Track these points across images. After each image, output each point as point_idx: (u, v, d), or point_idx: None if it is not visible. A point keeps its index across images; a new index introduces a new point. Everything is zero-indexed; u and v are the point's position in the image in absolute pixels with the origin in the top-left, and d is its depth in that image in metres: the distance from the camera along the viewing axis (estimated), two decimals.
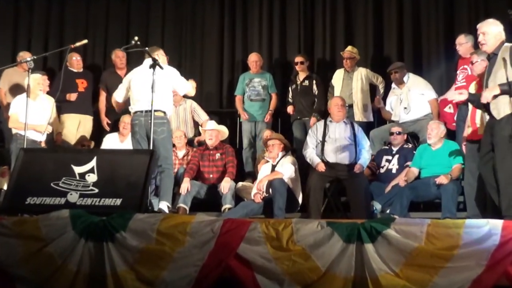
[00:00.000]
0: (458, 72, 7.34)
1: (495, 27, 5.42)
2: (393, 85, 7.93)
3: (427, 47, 8.79)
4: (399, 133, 7.30)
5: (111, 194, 5.03)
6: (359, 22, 9.07)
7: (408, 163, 6.99)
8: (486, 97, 5.28)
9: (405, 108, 7.63)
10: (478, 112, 5.83)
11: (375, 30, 8.98)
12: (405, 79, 7.75)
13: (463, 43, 7.40)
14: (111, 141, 7.72)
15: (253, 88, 8.36)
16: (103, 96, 8.39)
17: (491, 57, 5.43)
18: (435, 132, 6.80)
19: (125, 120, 7.63)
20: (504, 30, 5.47)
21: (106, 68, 8.91)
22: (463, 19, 8.65)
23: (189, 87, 6.56)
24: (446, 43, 8.07)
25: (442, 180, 6.39)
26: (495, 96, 5.25)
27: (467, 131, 6.07)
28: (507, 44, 5.29)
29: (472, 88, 6.08)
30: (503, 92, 5.21)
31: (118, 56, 8.38)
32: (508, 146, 5.15)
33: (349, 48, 8.36)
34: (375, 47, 8.95)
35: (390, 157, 7.23)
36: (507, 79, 5.16)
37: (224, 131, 7.64)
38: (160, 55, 6.40)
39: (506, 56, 5.22)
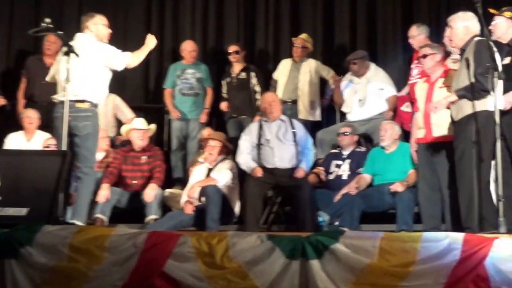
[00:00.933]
0: (412, 66, 7.48)
1: (461, 22, 5.55)
2: (349, 72, 7.97)
3: (382, 37, 8.92)
4: (346, 134, 7.34)
5: (16, 202, 4.94)
6: (307, 8, 9.13)
7: (362, 169, 7.07)
8: (441, 104, 5.44)
9: (360, 100, 7.70)
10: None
11: (325, 18, 9.04)
12: (366, 69, 7.80)
13: (415, 36, 7.55)
14: (15, 141, 7.51)
15: (186, 80, 8.30)
16: (23, 84, 8.19)
17: (462, 54, 5.58)
18: (389, 134, 6.88)
19: (29, 114, 7.45)
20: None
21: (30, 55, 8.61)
22: (422, 7, 8.82)
23: (127, 59, 6.11)
24: (404, 33, 8.18)
25: (397, 187, 6.48)
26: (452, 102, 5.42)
27: (419, 133, 6.17)
28: (476, 39, 5.38)
29: (420, 87, 6.22)
30: (460, 98, 5.35)
31: (48, 41, 8.16)
32: (467, 151, 5.27)
33: (303, 35, 8.38)
34: (325, 37, 9.03)
35: (340, 162, 7.27)
36: (469, 79, 5.30)
37: (154, 130, 7.59)
38: (99, 26, 6.05)
39: (470, 55, 5.34)
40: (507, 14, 5.78)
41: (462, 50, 5.55)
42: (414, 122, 6.32)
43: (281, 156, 6.94)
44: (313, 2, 9.11)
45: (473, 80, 5.29)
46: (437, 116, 5.77)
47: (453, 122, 5.51)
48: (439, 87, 6.00)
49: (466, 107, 5.33)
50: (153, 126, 7.60)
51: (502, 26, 5.77)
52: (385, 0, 8.97)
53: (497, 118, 4.95)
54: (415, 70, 7.39)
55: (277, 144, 7.00)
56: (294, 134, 7.10)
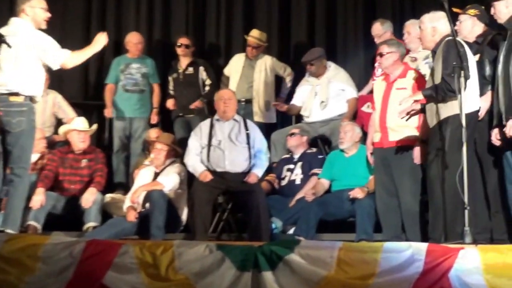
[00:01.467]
0: (376, 65, 7.51)
1: (429, 22, 5.65)
2: (307, 73, 8.00)
3: (343, 33, 8.96)
4: (293, 135, 7.37)
5: None
6: (262, 1, 9.15)
7: (315, 170, 7.10)
8: (406, 101, 5.51)
9: (322, 102, 7.71)
10: (392, 112, 5.96)
11: (281, 11, 9.07)
12: (324, 69, 7.83)
13: (381, 34, 7.61)
14: None
15: (130, 75, 8.26)
16: None
17: (433, 56, 5.69)
18: (349, 136, 6.90)
19: None
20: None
21: None
22: (385, 0, 8.89)
23: (63, 57, 5.87)
24: (366, 30, 8.25)
25: (357, 194, 6.51)
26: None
27: (375, 136, 6.23)
28: (447, 39, 5.45)
29: (378, 86, 6.29)
30: (426, 97, 5.43)
31: None
32: (437, 158, 5.35)
33: (255, 33, 8.34)
34: (281, 32, 9.05)
35: (291, 166, 7.30)
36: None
37: (95, 130, 7.55)
38: (36, 10, 5.79)
39: (440, 56, 5.44)
40: (471, 12, 5.90)
41: (434, 52, 5.64)
42: (371, 122, 6.40)
43: (233, 159, 6.90)
44: None
45: (440, 80, 5.37)
46: (393, 119, 5.85)
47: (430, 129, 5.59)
48: (397, 88, 6.09)
49: (441, 111, 5.41)
50: (94, 127, 7.52)
51: (467, 24, 5.89)
52: None
53: (463, 121, 5.00)
54: (378, 70, 7.43)
55: (229, 146, 6.96)
56: (248, 136, 7.06)
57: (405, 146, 5.96)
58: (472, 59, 5.42)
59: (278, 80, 8.42)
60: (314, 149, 7.44)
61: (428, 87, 5.51)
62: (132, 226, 6.73)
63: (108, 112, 8.25)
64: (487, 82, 5.55)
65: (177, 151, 7.24)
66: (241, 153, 6.96)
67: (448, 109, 5.32)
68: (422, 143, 5.90)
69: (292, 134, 7.39)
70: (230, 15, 9.16)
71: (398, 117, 5.64)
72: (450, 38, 5.35)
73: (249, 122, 7.24)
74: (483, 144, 5.54)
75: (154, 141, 7.31)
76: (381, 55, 6.27)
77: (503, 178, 5.41)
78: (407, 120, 5.63)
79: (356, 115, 7.68)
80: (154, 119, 8.26)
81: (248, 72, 8.26)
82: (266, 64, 8.28)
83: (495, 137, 5.37)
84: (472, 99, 5.34)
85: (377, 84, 6.36)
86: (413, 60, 6.90)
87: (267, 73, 8.25)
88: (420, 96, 5.47)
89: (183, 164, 7.11)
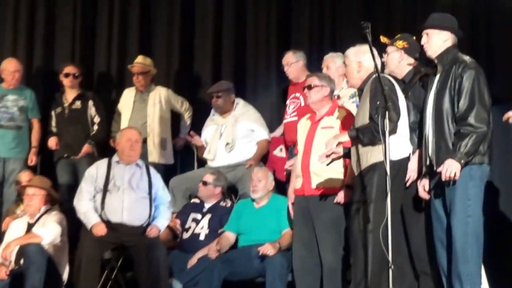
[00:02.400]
0: (287, 102, 7.62)
1: (354, 57, 5.70)
2: (212, 111, 8.01)
3: (253, 65, 9.01)
4: (207, 183, 7.33)
5: None
6: (161, 26, 9.15)
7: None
8: (330, 143, 5.48)
9: (228, 144, 7.73)
10: (316, 155, 5.98)
11: (182, 38, 9.10)
12: (232, 105, 7.87)
13: (292, 63, 7.67)
14: None
15: (5, 109, 8.12)
16: None
17: (360, 95, 5.73)
18: (262, 184, 6.90)
19: None
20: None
21: None
22: (302, 28, 8.89)
23: None
24: (280, 63, 8.29)
25: (268, 250, 6.48)
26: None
27: (297, 182, 6.24)
28: (375, 76, 5.38)
29: (302, 125, 6.30)
30: (352, 139, 5.45)
31: None
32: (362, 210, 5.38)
33: (139, 59, 8.34)
34: (181, 61, 9.06)
35: (199, 216, 7.28)
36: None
37: None
38: None
39: (367, 95, 5.46)
40: (399, 44, 5.90)
41: (360, 90, 5.69)
42: (294, 168, 6.39)
43: (131, 208, 6.83)
44: (169, 19, 9.15)
45: (367, 121, 5.41)
46: (317, 162, 5.81)
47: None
48: (323, 127, 6.10)
49: (368, 156, 5.43)
50: None
51: (394, 57, 5.91)
52: (257, 19, 9.06)
53: (388, 168, 4.93)
54: (291, 106, 7.51)
55: (128, 194, 6.88)
56: (150, 183, 7.03)
57: (329, 194, 5.98)
58: (402, 99, 5.49)
59: (176, 117, 8.42)
60: (228, 203, 7.40)
61: (352, 129, 5.54)
62: (3, 286, 6.54)
63: None
64: (410, 130, 5.60)
65: (54, 197, 7.11)
66: (142, 203, 6.90)
67: (376, 154, 5.34)
68: (347, 188, 5.93)
69: (205, 183, 7.33)
70: (123, 42, 9.12)
71: (318, 161, 5.65)
72: (376, 77, 5.32)
73: (152, 169, 7.19)
74: (407, 196, 5.56)
75: (26, 185, 7.14)
76: (309, 87, 6.23)
77: (431, 232, 5.45)
78: (327, 165, 5.65)
79: (267, 159, 7.71)
80: (33, 160, 8.12)
81: (140, 107, 8.24)
82: (160, 96, 8.26)
83: (422, 189, 5.41)
84: (401, 144, 5.40)
85: (302, 124, 6.35)
86: (337, 98, 6.86)
87: (162, 107, 8.23)
88: (345, 137, 5.47)
89: (62, 212, 7.01)
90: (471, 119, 5.12)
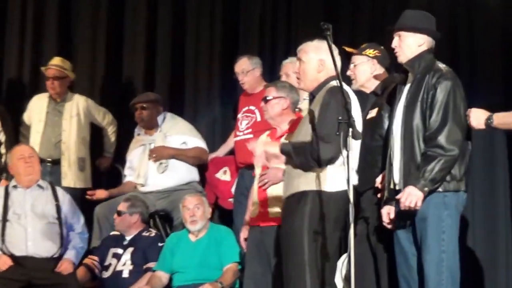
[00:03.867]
0: (239, 116, 7.61)
1: (315, 53, 5.47)
2: (137, 129, 8.03)
3: (192, 73, 8.96)
4: (120, 214, 7.30)
5: None
6: (85, 27, 9.17)
7: (151, 264, 7.06)
8: (254, 146, 5.48)
9: (161, 164, 7.72)
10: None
11: (109, 40, 9.12)
12: (159, 120, 7.89)
13: (248, 70, 7.62)
14: None
15: None
16: None
17: (311, 100, 5.58)
18: (201, 212, 6.89)
19: None
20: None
21: None
22: (252, 31, 8.88)
23: None
24: (225, 67, 8.28)
25: None
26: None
27: (253, 211, 6.23)
28: (330, 86, 5.35)
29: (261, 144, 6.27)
30: (283, 153, 5.34)
31: None
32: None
33: (56, 60, 8.28)
34: (108, 67, 9.07)
35: (120, 251, 7.25)
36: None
37: None
38: None
39: (318, 105, 5.32)
40: (370, 52, 5.89)
41: (312, 95, 5.54)
42: (251, 195, 6.35)
43: (36, 239, 6.84)
44: (93, 24, 9.14)
45: (309, 139, 5.27)
46: (278, 186, 5.80)
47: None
48: None
49: (299, 181, 5.32)
50: None
51: (365, 69, 5.87)
52: (198, 17, 9.01)
53: (351, 195, 4.79)
54: (244, 122, 7.51)
55: (32, 222, 6.91)
56: (59, 208, 7.03)
57: None
58: (359, 119, 5.38)
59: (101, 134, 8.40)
60: (153, 232, 7.40)
61: (287, 142, 5.48)
62: None
63: None
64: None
65: None
66: (49, 230, 6.91)
67: (308, 182, 5.25)
68: None
69: (119, 213, 7.30)
70: (39, 39, 9.12)
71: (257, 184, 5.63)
72: (335, 86, 5.22)
73: (59, 190, 7.20)
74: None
75: None
76: (265, 100, 6.18)
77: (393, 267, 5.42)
78: (264, 189, 5.64)
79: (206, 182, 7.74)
80: None
81: (55, 120, 8.20)
82: (78, 107, 8.24)
83: (387, 217, 5.30)
84: (339, 174, 5.15)
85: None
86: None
87: (80, 120, 8.20)
88: (275, 148, 5.40)
89: None
90: (442, 140, 5.06)
